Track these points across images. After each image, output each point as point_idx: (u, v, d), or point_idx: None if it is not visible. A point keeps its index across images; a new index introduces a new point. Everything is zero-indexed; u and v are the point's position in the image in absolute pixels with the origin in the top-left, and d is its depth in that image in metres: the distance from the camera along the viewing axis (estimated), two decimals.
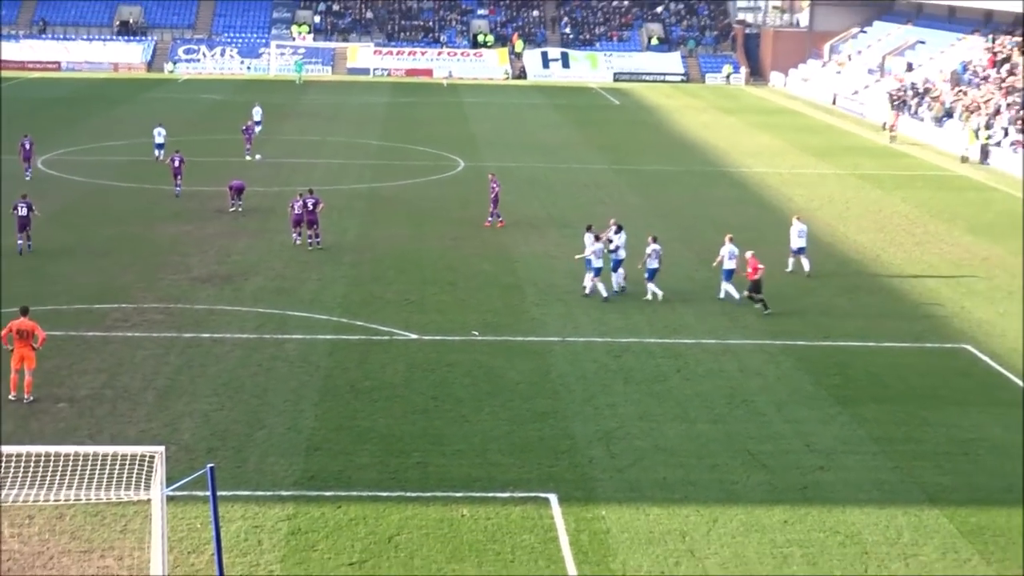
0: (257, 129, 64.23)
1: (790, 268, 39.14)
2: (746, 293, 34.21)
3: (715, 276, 37.00)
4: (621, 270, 35.52)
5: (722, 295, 35.27)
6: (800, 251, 38.87)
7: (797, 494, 22.09)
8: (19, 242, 39.12)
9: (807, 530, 20.69)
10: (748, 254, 34.40)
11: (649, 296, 34.99)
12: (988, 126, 66.93)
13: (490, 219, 43.32)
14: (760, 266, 33.88)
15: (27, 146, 52.31)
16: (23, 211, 39.01)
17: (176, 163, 49.48)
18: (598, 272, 34.66)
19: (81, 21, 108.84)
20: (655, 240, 35.30)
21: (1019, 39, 79.62)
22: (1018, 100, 69.72)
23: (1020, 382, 28.62)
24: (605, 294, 34.65)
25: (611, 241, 35.41)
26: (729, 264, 35.02)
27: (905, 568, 19.53)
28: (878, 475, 23.06)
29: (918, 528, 20.84)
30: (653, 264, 34.90)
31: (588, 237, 34.96)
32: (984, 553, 20.08)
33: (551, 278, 36.91)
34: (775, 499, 21.84)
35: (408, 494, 21.66)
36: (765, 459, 23.67)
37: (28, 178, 50.47)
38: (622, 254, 35.49)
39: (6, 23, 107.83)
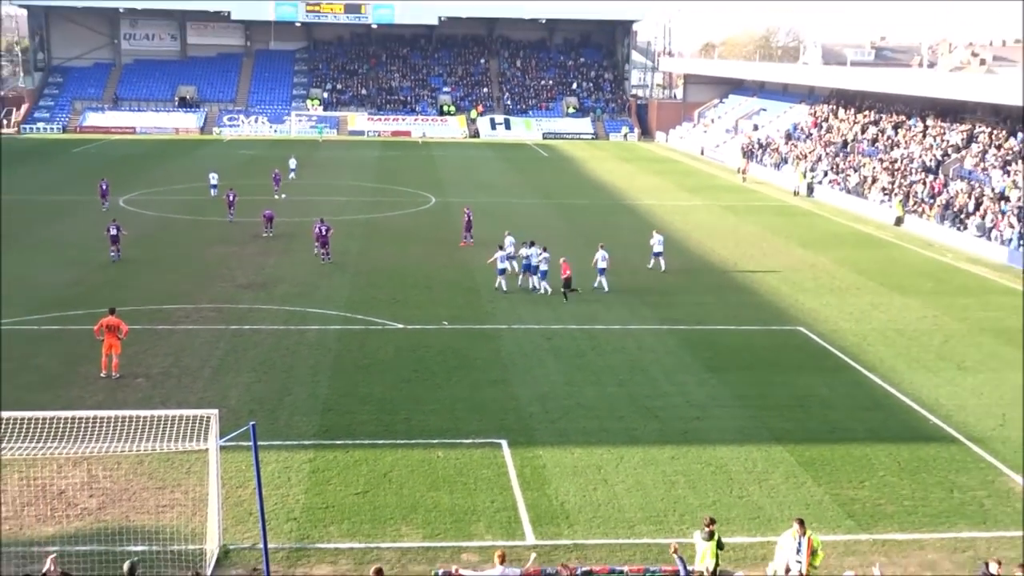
0: (292, 175, 64.99)
1: (651, 266, 40.08)
2: (562, 289, 34.65)
3: (620, 277, 37.14)
4: (538, 277, 35.60)
5: (595, 285, 36.01)
6: (658, 255, 40.12)
7: (680, 437, 22.22)
8: (112, 254, 39.49)
9: (688, 463, 20.81)
10: (561, 260, 35.05)
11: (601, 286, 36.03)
12: (812, 169, 67.63)
13: (464, 240, 43.29)
14: (568, 268, 34.56)
15: (104, 186, 52.78)
16: (113, 231, 39.67)
17: (231, 197, 49.70)
18: (502, 272, 35.37)
19: (150, 97, 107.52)
20: (602, 247, 36.59)
21: (832, 106, 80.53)
22: (833, 151, 70.50)
23: (839, 353, 28.93)
24: (505, 289, 35.37)
25: (507, 249, 36.45)
26: (602, 264, 35.99)
27: (759, 490, 19.71)
28: (739, 423, 23.23)
29: (768, 460, 21.03)
30: (602, 264, 36.04)
31: (523, 249, 35.83)
32: (816, 478, 20.32)
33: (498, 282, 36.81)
34: (664, 441, 21.97)
35: (398, 441, 21.62)
36: (657, 412, 23.78)
37: (105, 209, 50.68)
38: (534, 262, 35.61)
39: (94, 98, 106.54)
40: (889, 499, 19.39)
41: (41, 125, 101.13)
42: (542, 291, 35.29)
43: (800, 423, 23.29)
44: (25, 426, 17.81)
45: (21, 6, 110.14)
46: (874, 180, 60.26)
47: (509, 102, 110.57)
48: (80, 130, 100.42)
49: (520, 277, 36.35)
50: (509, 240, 37.82)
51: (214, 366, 26.50)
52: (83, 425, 17.45)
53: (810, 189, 64.60)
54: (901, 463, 21.04)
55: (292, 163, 67.59)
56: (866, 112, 74.98)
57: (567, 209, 55.51)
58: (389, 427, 22.45)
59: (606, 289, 35.87)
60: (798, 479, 20.16)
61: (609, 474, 20.20)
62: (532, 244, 36.33)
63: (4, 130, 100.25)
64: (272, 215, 45.99)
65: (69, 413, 17.67)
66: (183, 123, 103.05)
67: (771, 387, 25.81)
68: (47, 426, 17.87)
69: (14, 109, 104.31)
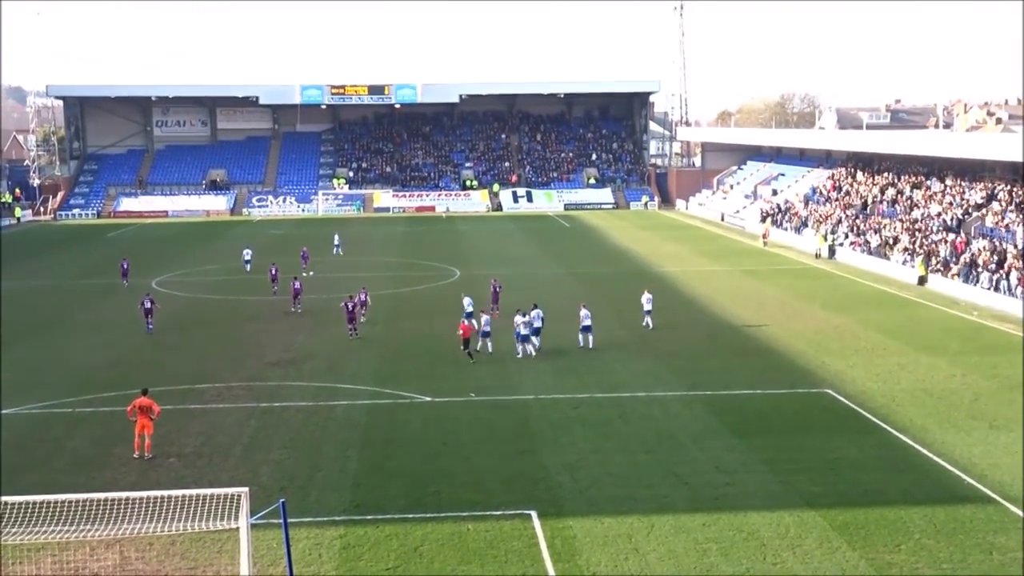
0: (338, 251, 67.29)
1: (644, 323, 40.91)
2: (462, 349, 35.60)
3: (646, 343, 36.95)
4: (535, 338, 36.26)
5: (581, 344, 37.05)
6: (648, 312, 41.11)
7: (711, 504, 21.83)
8: (147, 326, 41.64)
9: (720, 530, 20.42)
10: (462, 320, 36.62)
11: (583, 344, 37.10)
12: (833, 232, 67.49)
13: (491, 311, 42.77)
14: (473, 328, 35.87)
15: (124, 266, 55.35)
16: (147, 304, 41.93)
17: (273, 271, 51.52)
18: (524, 338, 35.81)
19: (182, 181, 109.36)
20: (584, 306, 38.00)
21: (850, 169, 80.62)
22: (852, 213, 70.39)
23: (867, 415, 28.52)
24: (533, 353, 35.66)
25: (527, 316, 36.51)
26: (585, 322, 37.12)
27: (792, 556, 19.27)
28: (769, 487, 22.83)
29: (800, 526, 20.60)
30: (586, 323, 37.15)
31: (517, 317, 36.18)
32: (850, 542, 19.86)
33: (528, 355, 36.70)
34: (695, 508, 21.58)
35: (428, 515, 21.37)
36: (686, 478, 23.42)
37: (126, 286, 53.07)
38: (536, 324, 36.32)
39: (127, 184, 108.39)
40: (927, 563, 18.90)
41: (77, 211, 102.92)
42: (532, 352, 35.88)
43: (831, 486, 22.86)
44: (59, 509, 17.78)
45: (57, 97, 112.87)
46: (895, 240, 60.00)
47: (531, 175, 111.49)
48: (114, 215, 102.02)
49: (519, 346, 35.92)
50: (467, 300, 39.06)
51: (245, 444, 26.43)
52: (116, 507, 17.41)
53: (832, 251, 64.37)
54: (937, 525, 20.55)
55: (336, 239, 69.31)
56: (884, 174, 74.96)
57: (590, 278, 55.50)
58: (419, 501, 22.22)
59: (592, 346, 36.73)
60: (832, 544, 19.71)
61: (640, 543, 19.85)
62: (535, 307, 37.26)
63: (41, 217, 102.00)
64: (299, 289, 46.39)
65: (102, 495, 17.64)
66: (213, 205, 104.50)
67: (800, 451, 25.40)
68: (81, 509, 17.83)
69: (51, 197, 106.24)
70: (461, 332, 35.56)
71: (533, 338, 36.21)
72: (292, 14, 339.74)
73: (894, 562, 18.93)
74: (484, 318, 36.83)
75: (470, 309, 38.95)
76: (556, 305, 43.43)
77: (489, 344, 36.30)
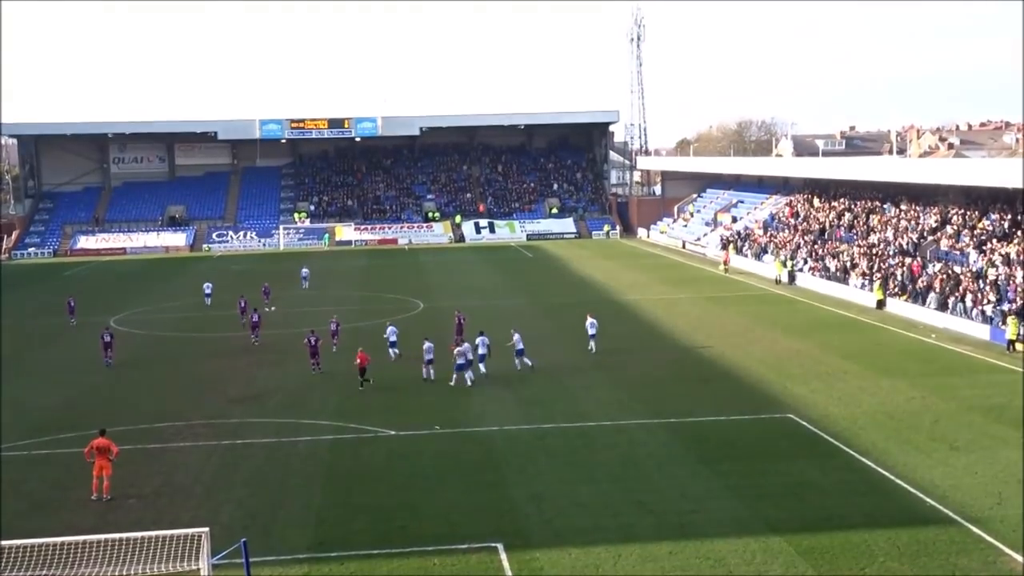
0: (305, 284, 66.94)
1: (589, 347, 41.90)
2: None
3: (608, 372, 37.06)
4: (481, 365, 37.49)
5: (518, 367, 38.29)
6: (592, 336, 42.14)
7: (677, 531, 21.84)
8: (106, 360, 41.87)
9: (687, 558, 20.43)
10: (359, 349, 37.31)
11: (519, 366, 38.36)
12: (792, 257, 68.22)
13: (455, 343, 42.77)
14: (368, 358, 36.70)
15: (71, 303, 55.70)
16: (107, 338, 42.31)
17: (242, 304, 51.94)
18: (460, 367, 36.29)
19: (140, 218, 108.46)
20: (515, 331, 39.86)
21: (807, 195, 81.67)
22: (810, 239, 71.24)
23: (830, 439, 28.73)
24: (469, 382, 36.15)
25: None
26: (519, 346, 38.59)
27: None
28: (735, 513, 22.89)
29: (767, 551, 20.65)
30: (519, 347, 38.68)
31: (456, 348, 37.03)
32: (816, 566, 19.93)
33: (492, 385, 36.65)
34: (661, 536, 21.58)
35: (393, 551, 21.19)
36: (652, 506, 23.44)
37: (72, 324, 53.44)
38: (482, 350, 37.50)
39: (84, 221, 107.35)
40: None
41: (32, 250, 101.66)
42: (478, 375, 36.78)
43: (796, 512, 22.96)
44: (14, 555, 17.43)
45: (11, 135, 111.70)
46: (854, 265, 60.76)
47: (492, 206, 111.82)
48: (71, 253, 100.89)
49: (454, 375, 36.55)
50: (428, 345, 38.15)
51: (206, 483, 26.09)
52: (74, 551, 17.11)
53: (791, 277, 65.03)
54: (901, 548, 20.69)
55: (304, 272, 68.80)
56: (841, 199, 76.01)
57: (553, 308, 55.64)
58: (384, 536, 22.02)
59: (530, 364, 38.30)
60: (798, 569, 19.77)
61: (607, 572, 19.79)
62: (482, 333, 38.48)
63: None
64: (258, 322, 46.63)
65: (60, 539, 17.34)
66: (172, 241, 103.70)
67: (764, 476, 25.51)
68: (37, 553, 17.52)
69: (5, 236, 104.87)
70: (358, 361, 36.64)
71: (480, 365, 37.19)
72: (250, 49, 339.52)
73: None
74: (465, 345, 37.33)
75: (394, 338, 41.30)
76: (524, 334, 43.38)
77: (482, 367, 37.35)
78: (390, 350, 41.15)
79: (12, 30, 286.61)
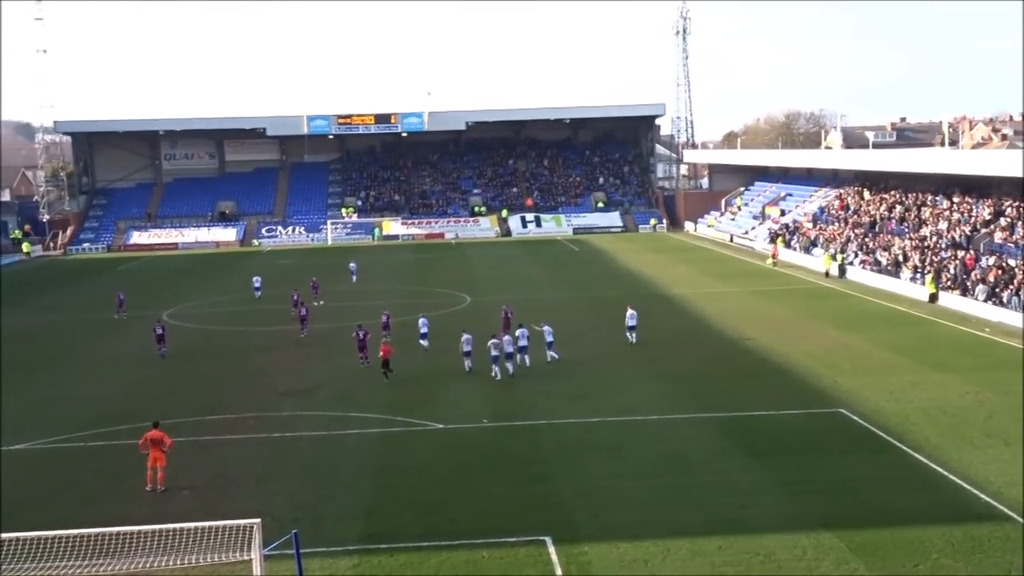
0: (354, 279, 67.46)
1: (628, 339, 42.37)
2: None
3: (657, 365, 36.89)
4: (525, 355, 37.75)
5: (548, 359, 38.49)
6: (632, 328, 42.41)
7: (727, 526, 21.68)
8: (159, 351, 42.75)
9: (737, 553, 20.27)
10: (382, 342, 38.72)
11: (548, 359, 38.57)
12: (842, 251, 67.39)
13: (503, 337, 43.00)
14: (391, 350, 37.42)
15: (120, 297, 56.25)
16: (159, 330, 43.34)
17: (295, 297, 52.95)
18: (495, 359, 36.52)
19: (191, 213, 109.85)
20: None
21: (857, 188, 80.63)
22: (861, 232, 70.32)
23: (882, 434, 28.35)
24: (511, 372, 36.74)
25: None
26: (548, 338, 38.97)
27: None
28: (785, 509, 22.68)
29: (818, 547, 20.44)
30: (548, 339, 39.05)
31: (490, 341, 37.05)
32: (868, 563, 19.70)
33: (538, 378, 36.66)
34: (711, 531, 21.43)
35: (442, 543, 21.26)
36: (701, 501, 23.30)
37: (119, 317, 54.28)
38: (522, 342, 37.68)
39: (137, 217, 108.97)
40: None
41: (87, 245, 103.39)
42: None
43: (847, 507, 22.68)
44: (71, 544, 17.75)
45: (65, 133, 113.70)
46: (905, 258, 59.86)
47: (538, 200, 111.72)
48: (124, 248, 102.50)
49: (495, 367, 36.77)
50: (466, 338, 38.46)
51: (257, 475, 26.38)
52: (129, 541, 17.37)
53: (842, 271, 64.22)
54: (955, 544, 20.36)
55: (352, 266, 69.66)
56: (891, 192, 74.91)
57: (600, 302, 55.41)
58: (433, 529, 22.12)
59: (556, 357, 38.52)
60: (850, 565, 19.53)
61: (656, 567, 19.70)
62: (521, 326, 38.83)
63: (51, 252, 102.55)
64: (306, 316, 47.60)
65: (115, 529, 17.61)
66: (223, 236, 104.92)
67: (815, 471, 25.24)
68: (93, 543, 17.81)
69: (61, 232, 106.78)
70: (381, 354, 37.15)
71: (525, 357, 37.52)
72: (298, 45, 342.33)
73: None
74: (506, 338, 37.61)
75: (425, 330, 42.54)
76: (566, 329, 43.40)
77: (527, 359, 37.76)
78: (421, 341, 41.98)
79: (65, 29, 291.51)
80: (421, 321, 43.21)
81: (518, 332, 38.15)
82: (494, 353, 36.61)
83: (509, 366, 36.80)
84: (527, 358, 37.68)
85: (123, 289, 59.39)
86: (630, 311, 43.15)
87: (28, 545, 17.38)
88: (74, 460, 28.33)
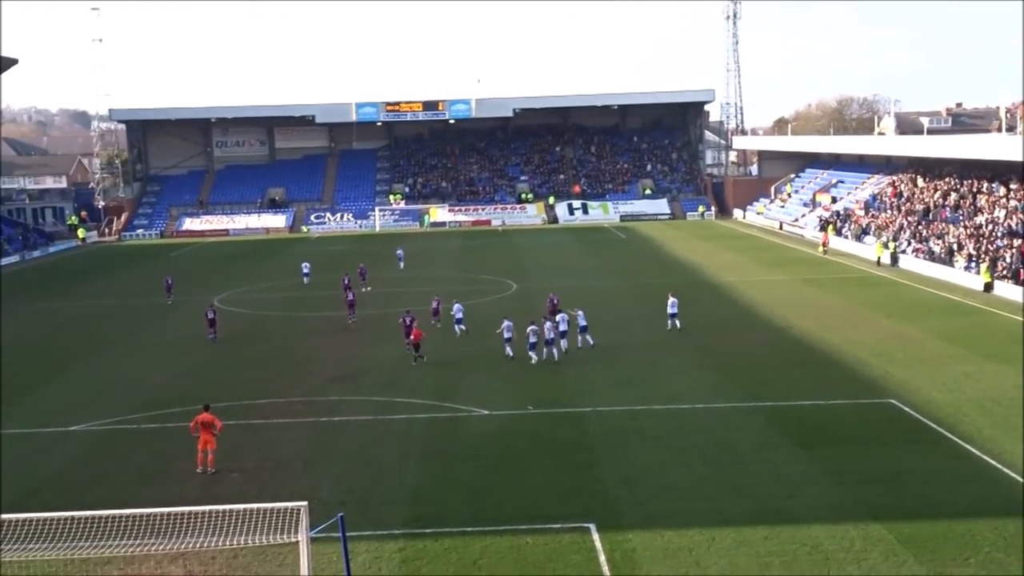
0: (401, 265, 68.06)
1: (669, 327, 42.43)
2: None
3: (704, 355, 36.68)
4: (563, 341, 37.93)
5: (580, 343, 38.71)
6: (673, 316, 42.60)
7: (773, 516, 21.52)
8: (210, 335, 43.42)
9: (783, 543, 20.13)
10: (414, 325, 38.92)
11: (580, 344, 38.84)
12: (895, 239, 66.41)
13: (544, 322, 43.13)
14: (422, 334, 38.04)
15: (168, 282, 57.34)
16: (210, 315, 43.97)
17: (346, 280, 53.92)
18: (533, 346, 36.97)
19: (241, 200, 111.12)
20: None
21: (911, 175, 79.35)
22: (914, 219, 69.24)
23: (933, 425, 27.96)
24: (556, 356, 37.20)
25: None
26: (581, 322, 39.08)
27: (858, 570, 18.92)
28: (833, 499, 22.46)
29: (866, 538, 20.22)
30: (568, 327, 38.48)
31: (529, 328, 37.35)
32: (917, 555, 19.45)
33: (583, 365, 36.64)
34: (757, 521, 21.29)
35: (487, 528, 21.34)
36: (747, 491, 23.14)
37: (170, 303, 55.01)
38: (563, 327, 37.96)
39: (189, 204, 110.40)
40: None
41: (141, 231, 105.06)
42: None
43: (897, 498, 22.40)
44: (125, 523, 18.10)
45: (120, 121, 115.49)
46: (959, 247, 58.84)
47: (586, 186, 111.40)
48: (176, 235, 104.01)
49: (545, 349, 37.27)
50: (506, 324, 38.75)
51: (305, 458, 26.68)
52: (180, 521, 17.67)
53: (894, 259, 63.31)
54: (1007, 538, 20.03)
55: (400, 253, 70.57)
56: (946, 179, 73.62)
57: (646, 289, 55.16)
58: (478, 514, 22.22)
59: (591, 343, 38.74)
60: (899, 558, 19.31)
61: (701, 556, 19.63)
62: (560, 311, 39.41)
63: (106, 238, 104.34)
64: (353, 301, 48.02)
65: (167, 510, 17.92)
66: (273, 223, 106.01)
67: (864, 462, 24.96)
68: (146, 523, 18.15)
69: (115, 218, 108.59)
70: (412, 337, 37.90)
71: (562, 342, 37.67)
72: (346, 33, 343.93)
73: None
74: (547, 324, 37.93)
75: (460, 315, 42.77)
76: (612, 316, 43.33)
77: (561, 346, 37.79)
78: (456, 327, 42.34)
79: (120, 18, 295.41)
80: (456, 307, 43.47)
81: (558, 318, 38.47)
82: (532, 340, 36.87)
83: (554, 352, 36.91)
84: (565, 343, 37.88)
85: (172, 274, 60.50)
86: (671, 299, 43.19)
87: (84, 524, 17.74)
88: (128, 441, 28.85)
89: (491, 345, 39.85)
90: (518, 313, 42.87)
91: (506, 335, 37.88)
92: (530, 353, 36.87)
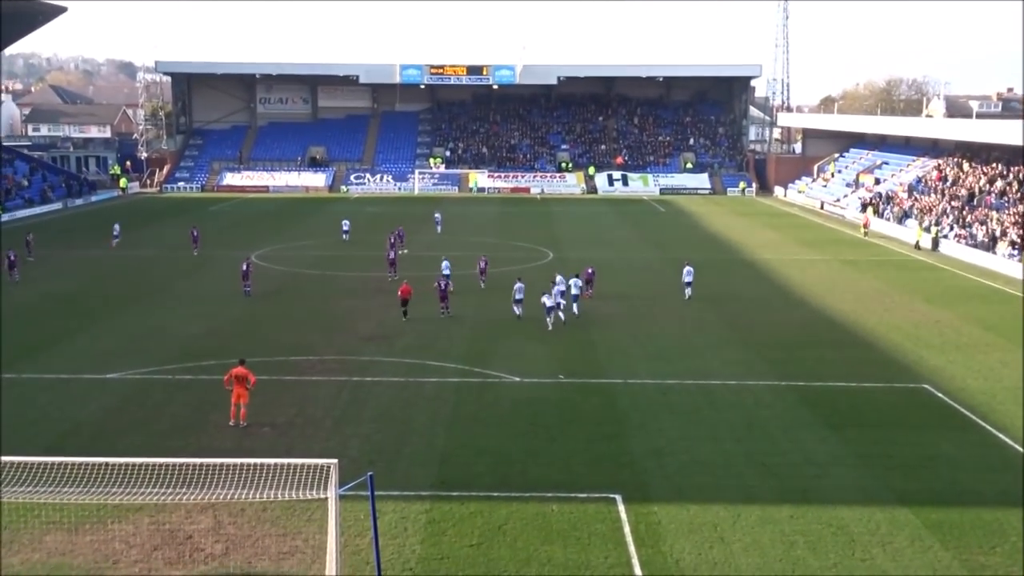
0: (439, 228, 68.37)
1: (686, 297, 43.59)
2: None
3: (737, 332, 36.50)
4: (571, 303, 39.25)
5: (575, 310, 39.29)
6: (688, 284, 43.79)
7: (800, 496, 21.49)
8: (245, 288, 43.91)
9: (808, 523, 20.09)
10: (403, 281, 40.72)
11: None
12: (937, 223, 65.50)
13: (587, 292, 43.37)
14: (411, 290, 39.41)
15: (195, 233, 58.42)
16: (245, 267, 44.73)
17: (392, 239, 54.87)
18: (549, 310, 37.51)
19: (282, 157, 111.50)
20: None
21: (957, 159, 78.10)
22: (958, 204, 68.22)
23: (966, 412, 27.69)
24: (564, 320, 38.05)
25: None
26: (574, 290, 39.62)
27: (883, 553, 18.86)
28: (861, 482, 22.37)
29: (892, 522, 20.14)
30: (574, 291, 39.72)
31: (544, 298, 37.98)
32: (943, 541, 19.35)
33: (615, 337, 36.62)
34: (783, 499, 21.27)
35: (513, 494, 21.48)
36: (775, 469, 23.09)
37: (195, 254, 56.30)
38: (574, 291, 39.58)
39: (231, 159, 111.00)
40: (1023, 566, 18.29)
41: (182, 184, 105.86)
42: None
43: (926, 484, 22.27)
44: (158, 472, 18.39)
45: (166, 74, 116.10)
46: (1003, 233, 57.94)
47: (627, 159, 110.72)
48: (217, 189, 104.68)
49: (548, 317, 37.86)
50: (559, 278, 40.34)
51: (336, 416, 26.92)
52: (211, 472, 17.92)
53: (935, 243, 62.47)
54: None
55: (438, 217, 70.64)
56: (993, 164, 72.37)
57: (683, 264, 54.80)
58: (504, 480, 22.35)
59: (576, 313, 39.24)
60: (924, 542, 19.22)
61: (726, 532, 19.65)
62: (576, 275, 40.77)
63: (148, 189, 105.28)
64: (394, 260, 49.76)
65: (198, 460, 18.17)
66: (312, 182, 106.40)
67: (895, 446, 24.80)
68: (178, 472, 18.44)
69: (157, 170, 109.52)
70: (400, 293, 39.19)
71: (574, 305, 39.03)
72: None
73: (988, 564, 18.38)
74: (556, 289, 38.77)
75: (447, 272, 43.43)
76: (647, 290, 43.19)
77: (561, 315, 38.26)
78: (441, 282, 42.14)
79: None
80: (444, 264, 44.48)
81: (571, 281, 39.71)
82: (548, 305, 37.52)
83: (562, 315, 37.92)
84: (576, 307, 39.19)
85: (201, 226, 61.92)
86: (687, 267, 44.34)
87: (117, 470, 18.05)
88: (163, 391, 29.25)
89: (526, 311, 39.90)
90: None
91: (516, 296, 39.02)
92: (547, 319, 37.59)
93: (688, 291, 43.76)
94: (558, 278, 40.33)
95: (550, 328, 37.18)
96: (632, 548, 18.91)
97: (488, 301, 42.88)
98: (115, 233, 61.26)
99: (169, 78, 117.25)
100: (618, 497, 21.26)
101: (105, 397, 28.66)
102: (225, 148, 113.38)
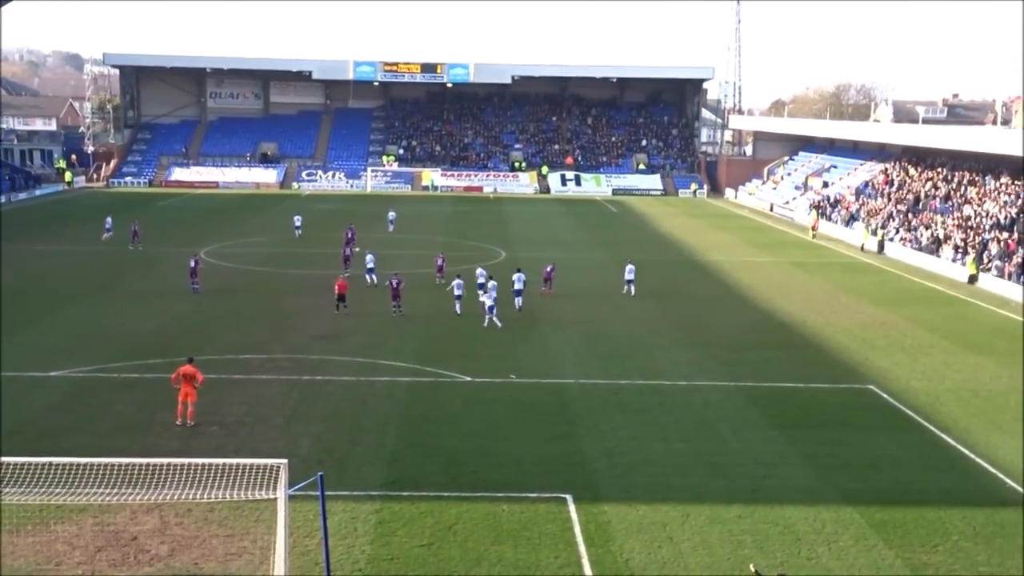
0: (391, 227, 68.20)
1: (624, 291, 44.98)
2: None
3: (688, 332, 36.75)
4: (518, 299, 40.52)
5: (517, 307, 40.33)
6: (630, 282, 45.13)
7: (748, 495, 21.71)
8: (193, 285, 43.56)
9: (755, 523, 20.31)
10: (340, 276, 41.99)
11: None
12: (883, 226, 66.54)
13: (543, 289, 44.91)
14: (347, 285, 40.49)
15: (134, 229, 58.46)
16: (192, 264, 44.11)
17: (349, 235, 56.09)
18: (491, 309, 37.99)
19: (233, 153, 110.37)
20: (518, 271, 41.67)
21: (904, 163, 79.40)
22: (904, 208, 69.38)
23: (910, 413, 28.17)
24: (498, 323, 37.86)
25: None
26: (517, 285, 40.51)
27: (828, 552, 19.12)
28: (807, 482, 22.65)
29: (837, 522, 20.43)
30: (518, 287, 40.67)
31: (483, 297, 38.79)
32: (887, 540, 19.67)
33: (567, 337, 36.75)
34: (731, 499, 21.47)
35: (463, 494, 21.45)
36: (724, 469, 23.31)
37: (132, 249, 56.15)
38: (518, 286, 40.61)
39: (179, 154, 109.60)
40: (964, 565, 18.67)
41: (129, 179, 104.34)
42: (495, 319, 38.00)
43: (871, 484, 22.62)
44: (101, 472, 18.10)
45: (114, 66, 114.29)
46: (947, 237, 59.02)
47: (580, 159, 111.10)
48: (166, 184, 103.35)
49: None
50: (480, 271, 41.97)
51: (286, 416, 26.71)
52: (157, 472, 17.69)
53: (880, 246, 63.47)
54: (976, 528, 20.28)
55: (391, 215, 70.31)
56: (938, 169, 73.69)
57: (635, 265, 55.13)
58: (455, 479, 22.33)
59: (518, 308, 40.25)
60: (868, 541, 19.52)
61: (675, 532, 19.80)
62: (490, 278, 40.71)
63: (94, 183, 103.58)
64: (349, 256, 50.65)
65: (144, 460, 17.92)
66: (263, 178, 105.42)
67: (840, 446, 25.16)
68: (123, 472, 18.16)
69: (104, 164, 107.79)
70: (337, 288, 39.92)
71: (517, 299, 40.35)
72: None
73: (930, 563, 18.72)
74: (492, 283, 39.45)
75: (371, 266, 45.43)
76: (600, 291, 43.39)
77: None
78: (367, 276, 44.97)
79: None
80: (369, 257, 45.77)
81: (514, 277, 40.66)
82: (489, 303, 37.96)
83: (496, 320, 37.94)
84: (519, 301, 40.21)
85: (137, 220, 61.91)
86: (629, 265, 45.84)
87: (60, 470, 17.74)
88: (108, 390, 28.80)
89: (476, 310, 39.86)
90: (504, 281, 42.80)
91: (456, 292, 39.65)
92: (487, 315, 37.93)
93: (629, 288, 45.01)
94: (509, 277, 40.89)
95: (486, 325, 37.51)
96: (582, 548, 18.99)
97: (441, 300, 42.77)
98: (107, 226, 60.14)
99: (117, 71, 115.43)
100: (569, 497, 21.33)
101: (48, 395, 28.17)
102: (174, 142, 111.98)
